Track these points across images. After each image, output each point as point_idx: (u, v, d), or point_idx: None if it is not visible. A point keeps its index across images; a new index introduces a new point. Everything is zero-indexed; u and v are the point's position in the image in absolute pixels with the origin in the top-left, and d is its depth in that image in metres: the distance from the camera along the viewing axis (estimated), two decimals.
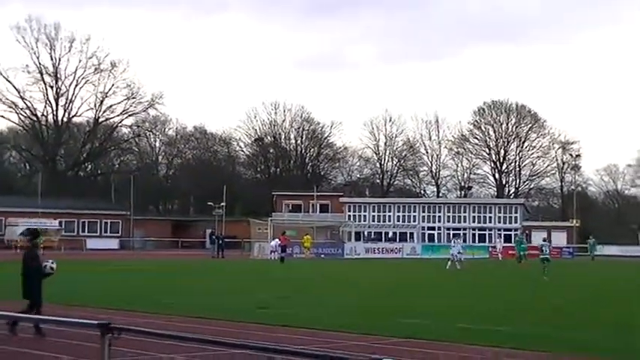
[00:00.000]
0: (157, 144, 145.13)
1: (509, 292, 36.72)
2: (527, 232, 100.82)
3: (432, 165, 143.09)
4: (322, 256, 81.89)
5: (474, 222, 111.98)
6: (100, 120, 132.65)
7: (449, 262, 58.17)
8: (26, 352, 16.43)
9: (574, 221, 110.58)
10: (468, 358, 16.02)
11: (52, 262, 20.38)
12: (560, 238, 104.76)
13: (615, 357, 16.98)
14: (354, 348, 17.22)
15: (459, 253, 59.96)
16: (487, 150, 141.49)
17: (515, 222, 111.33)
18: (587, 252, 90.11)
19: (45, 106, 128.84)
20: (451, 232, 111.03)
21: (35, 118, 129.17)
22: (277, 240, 73.81)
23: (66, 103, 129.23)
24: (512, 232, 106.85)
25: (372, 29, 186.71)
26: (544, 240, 59.39)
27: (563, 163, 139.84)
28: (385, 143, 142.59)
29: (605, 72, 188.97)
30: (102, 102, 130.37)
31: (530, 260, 67.95)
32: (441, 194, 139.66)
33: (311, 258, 78.10)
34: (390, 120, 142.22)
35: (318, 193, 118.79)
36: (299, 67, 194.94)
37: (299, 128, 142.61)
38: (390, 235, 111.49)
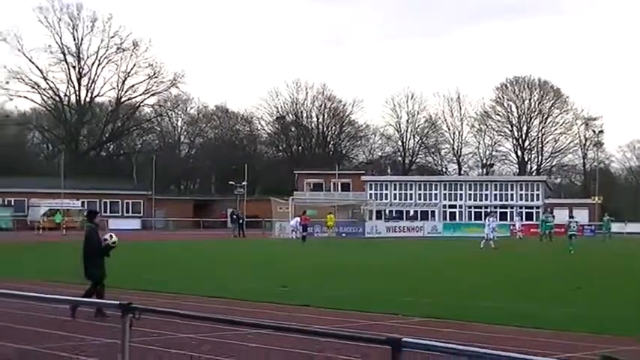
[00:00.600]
0: (179, 123, 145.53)
1: (530, 269, 36.60)
2: (549, 209, 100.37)
3: (453, 142, 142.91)
4: (343, 235, 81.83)
5: (495, 200, 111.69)
6: (123, 100, 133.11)
7: (483, 241, 57.71)
8: (45, 332, 16.49)
9: (596, 198, 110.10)
10: (490, 338, 15.96)
11: (112, 236, 20.19)
12: (582, 216, 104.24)
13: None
14: (375, 328, 17.19)
15: (493, 231, 59.52)
16: (509, 127, 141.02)
17: (537, 199, 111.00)
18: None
19: (67, 87, 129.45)
20: (473, 211, 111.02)
21: (58, 99, 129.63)
22: (297, 219, 73.83)
23: (88, 83, 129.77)
24: (534, 210, 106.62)
25: (392, 6, 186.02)
26: (571, 217, 59.69)
27: (586, 140, 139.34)
28: (407, 121, 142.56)
29: (630, 47, 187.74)
30: (124, 82, 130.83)
31: (556, 238, 67.50)
32: (462, 172, 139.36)
33: (332, 237, 78.05)
34: (412, 97, 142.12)
35: (340, 172, 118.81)
36: (321, 44, 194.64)
37: (320, 106, 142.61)
38: (412, 213, 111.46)
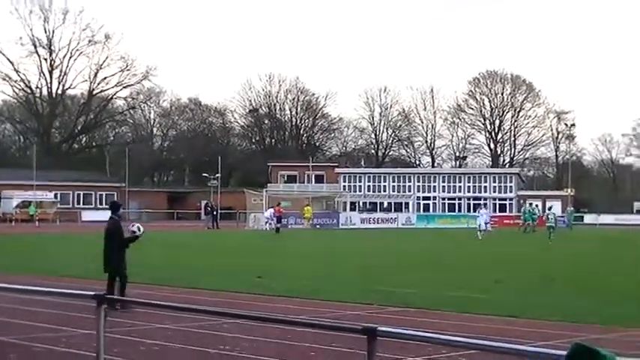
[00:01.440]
0: (152, 116, 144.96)
1: (506, 259, 36.78)
2: (522, 201, 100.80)
3: (427, 135, 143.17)
4: (317, 226, 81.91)
5: (468, 192, 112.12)
6: (95, 92, 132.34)
7: (478, 233, 57.76)
8: (20, 323, 16.43)
9: (569, 190, 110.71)
10: (465, 326, 16.05)
11: (140, 228, 19.76)
12: (554, 208, 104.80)
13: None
14: (350, 317, 17.25)
15: (486, 223, 59.54)
16: (482, 120, 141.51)
17: (510, 192, 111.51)
18: (581, 221, 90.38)
19: (39, 79, 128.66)
20: (446, 202, 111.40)
21: (29, 91, 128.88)
22: (271, 210, 73.89)
23: (60, 75, 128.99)
24: (507, 202, 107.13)
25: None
26: (549, 209, 60.42)
27: (558, 133, 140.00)
28: (380, 113, 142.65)
29: (600, 41, 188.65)
30: (96, 74, 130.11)
31: (539, 229, 67.65)
32: (436, 164, 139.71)
33: (306, 229, 78.11)
34: (385, 90, 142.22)
35: (314, 164, 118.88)
36: (294, 37, 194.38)
37: (294, 99, 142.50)
38: (385, 205, 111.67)
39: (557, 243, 51.96)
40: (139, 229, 19.54)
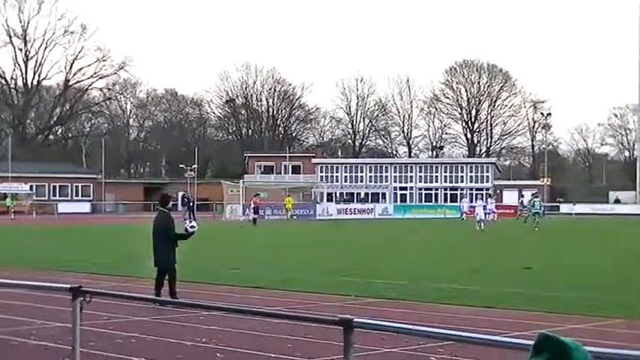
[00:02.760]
0: (128, 107, 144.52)
1: (484, 250, 36.87)
2: (498, 190, 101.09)
3: (403, 125, 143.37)
4: (294, 217, 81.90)
5: (445, 182, 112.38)
6: (71, 83, 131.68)
7: (477, 224, 57.26)
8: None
9: (545, 180, 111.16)
10: (442, 318, 16.09)
11: (194, 225, 19.18)
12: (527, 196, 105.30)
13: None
14: (327, 309, 17.24)
15: (488, 213, 59.34)
16: (459, 109, 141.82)
17: (487, 181, 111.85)
18: (558, 210, 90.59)
19: (14, 69, 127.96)
20: (423, 192, 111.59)
21: (4, 82, 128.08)
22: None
23: (35, 65, 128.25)
24: (484, 192, 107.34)
25: None
26: (536, 196, 60.51)
27: (534, 122, 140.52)
28: (357, 104, 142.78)
29: (576, 31, 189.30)
30: (72, 65, 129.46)
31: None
32: (412, 154, 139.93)
33: (283, 219, 78.07)
34: (362, 80, 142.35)
35: (290, 155, 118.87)
36: (270, 27, 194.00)
37: (270, 89, 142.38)
38: (362, 195, 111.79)
39: (535, 232, 52.20)
40: (193, 227, 19.02)
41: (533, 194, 63.00)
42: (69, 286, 8.37)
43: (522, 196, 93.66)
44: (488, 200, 62.16)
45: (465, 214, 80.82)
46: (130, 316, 15.91)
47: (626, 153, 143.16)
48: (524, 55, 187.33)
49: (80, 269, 25.59)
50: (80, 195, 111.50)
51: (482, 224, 56.82)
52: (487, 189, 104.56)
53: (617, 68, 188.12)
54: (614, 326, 15.39)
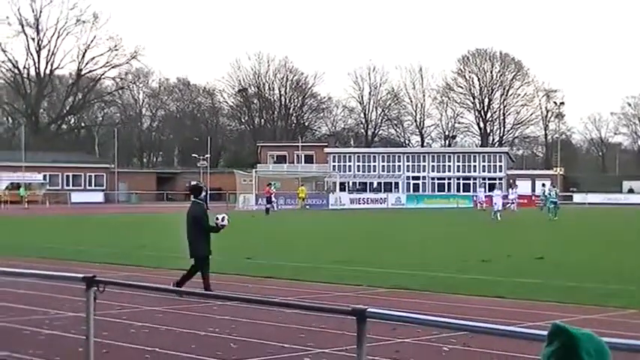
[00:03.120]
0: (140, 96, 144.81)
1: (492, 240, 36.83)
2: (511, 180, 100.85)
3: (416, 114, 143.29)
4: (307, 207, 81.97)
5: (458, 171, 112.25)
6: (83, 72, 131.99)
7: (495, 213, 56.71)
8: (7, 306, 16.39)
9: (558, 169, 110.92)
10: (454, 307, 16.08)
11: (225, 218, 18.69)
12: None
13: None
14: (339, 299, 17.25)
15: (512, 202, 59.06)
16: (471, 99, 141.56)
17: (500, 171, 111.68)
18: (571, 200, 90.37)
19: (27, 59, 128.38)
20: (436, 182, 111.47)
21: (17, 71, 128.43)
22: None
23: (48, 55, 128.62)
24: (497, 181, 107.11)
25: None
26: (553, 186, 60.59)
27: (547, 112, 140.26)
28: (369, 93, 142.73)
29: (589, 19, 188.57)
30: (84, 54, 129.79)
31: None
32: (425, 144, 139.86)
33: (295, 209, 78.12)
34: (374, 69, 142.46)
35: (303, 144, 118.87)
36: (283, 16, 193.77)
37: (283, 78, 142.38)
38: (375, 185, 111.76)
39: (547, 223, 52.11)
40: (224, 220, 18.83)
41: (551, 184, 63.06)
42: (82, 275, 8.38)
43: (544, 185, 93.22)
44: (510, 190, 61.75)
45: (481, 204, 79.82)
46: (143, 306, 15.94)
47: None
48: (536, 44, 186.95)
49: (93, 259, 25.64)
50: (93, 185, 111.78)
51: (499, 215, 56.30)
52: (500, 179, 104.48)
53: (631, 57, 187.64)
54: (628, 317, 15.37)
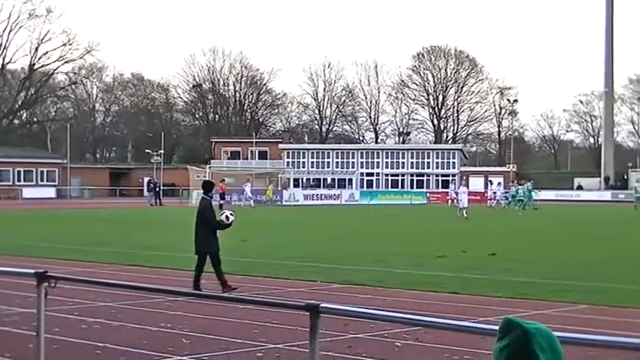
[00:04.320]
0: (94, 91, 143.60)
1: (447, 235, 37.01)
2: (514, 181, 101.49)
3: (370, 111, 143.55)
4: (260, 203, 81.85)
5: (412, 168, 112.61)
6: (36, 67, 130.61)
7: (461, 211, 56.17)
8: None
9: (511, 166, 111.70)
10: (407, 303, 16.14)
11: (229, 217, 18.56)
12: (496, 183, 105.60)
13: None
14: (292, 294, 17.25)
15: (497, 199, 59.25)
16: (426, 95, 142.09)
17: (453, 167, 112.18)
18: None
19: None
20: (390, 178, 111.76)
21: None
22: (249, 185, 76.14)
23: (0, 49, 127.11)
24: (450, 178, 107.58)
25: None
26: (520, 183, 61.07)
27: (501, 109, 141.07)
28: (324, 89, 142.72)
29: (543, 18, 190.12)
30: (37, 48, 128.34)
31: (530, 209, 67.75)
32: (379, 140, 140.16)
33: (248, 206, 77.97)
34: (329, 66, 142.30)
35: (257, 140, 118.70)
36: (238, 12, 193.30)
37: (238, 74, 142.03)
38: (329, 181, 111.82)
39: (504, 219, 52.46)
40: (228, 218, 18.64)
41: (518, 182, 63.79)
42: (33, 271, 8.30)
43: (499, 184, 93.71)
44: (462, 189, 61.69)
45: (452, 200, 77.53)
46: (95, 302, 15.84)
47: (591, 140, 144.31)
48: (491, 41, 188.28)
49: (45, 254, 25.43)
50: (45, 180, 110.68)
51: (465, 212, 55.50)
52: (453, 175, 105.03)
53: (583, 55, 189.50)
54: (579, 312, 15.52)
